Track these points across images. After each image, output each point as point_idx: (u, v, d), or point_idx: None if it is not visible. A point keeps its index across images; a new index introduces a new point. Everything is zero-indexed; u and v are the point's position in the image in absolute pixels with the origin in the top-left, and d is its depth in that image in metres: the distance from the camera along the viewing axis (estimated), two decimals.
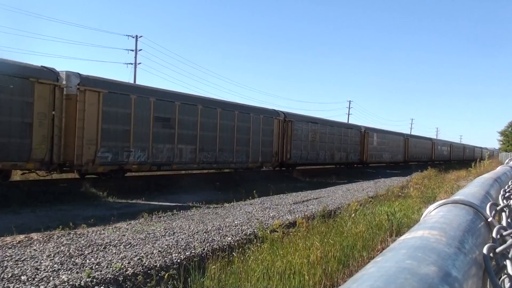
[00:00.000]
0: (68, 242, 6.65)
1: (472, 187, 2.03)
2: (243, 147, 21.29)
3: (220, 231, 7.76)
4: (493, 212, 1.38)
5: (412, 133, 70.48)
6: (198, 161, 18.37)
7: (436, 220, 1.05)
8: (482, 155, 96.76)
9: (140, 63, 40.62)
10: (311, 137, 26.99)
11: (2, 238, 6.93)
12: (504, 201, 1.86)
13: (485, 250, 0.95)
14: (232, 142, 20.51)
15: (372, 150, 35.81)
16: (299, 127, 25.68)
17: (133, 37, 39.62)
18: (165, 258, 5.87)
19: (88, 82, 13.90)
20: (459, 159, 73.46)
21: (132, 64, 39.51)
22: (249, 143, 21.64)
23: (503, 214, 1.54)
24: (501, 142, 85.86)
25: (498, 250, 0.97)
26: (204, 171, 21.41)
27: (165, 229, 7.85)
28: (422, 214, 1.24)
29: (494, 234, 1.13)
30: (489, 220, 1.22)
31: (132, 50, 39.57)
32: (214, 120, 19.41)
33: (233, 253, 6.33)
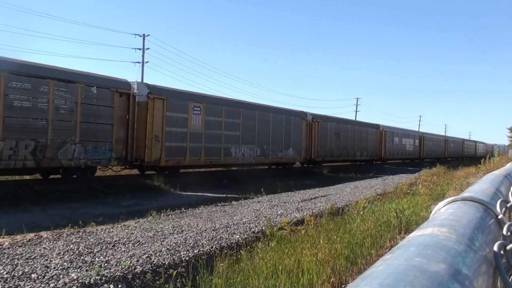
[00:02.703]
0: (77, 240, 6.69)
1: (482, 184, 2.01)
2: None
3: (228, 229, 7.77)
4: (504, 209, 1.37)
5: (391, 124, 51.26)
6: None
7: (446, 217, 1.04)
8: (476, 152, 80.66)
9: (147, 62, 40.77)
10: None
11: (12, 236, 6.99)
12: None
13: (495, 248, 0.94)
14: None
15: (211, 139, 19.29)
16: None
17: (141, 36, 39.76)
18: (174, 256, 5.89)
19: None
20: (438, 157, 53.86)
21: (139, 62, 39.67)
22: None
23: None
24: (511, 139, 79.88)
25: (508, 247, 0.96)
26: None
27: (173, 227, 7.87)
28: (431, 211, 1.24)
29: (504, 231, 1.12)
30: (499, 217, 1.21)
31: (140, 49, 39.72)
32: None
33: (241, 251, 6.34)
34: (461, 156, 66.49)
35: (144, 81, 18.56)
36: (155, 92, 16.84)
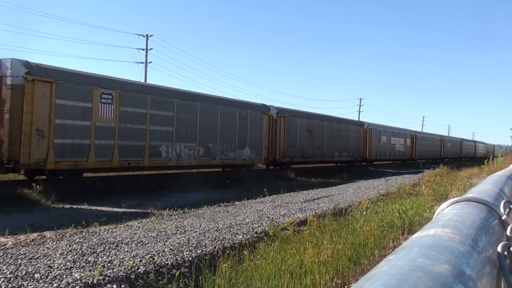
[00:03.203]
0: (80, 240, 6.71)
1: (485, 185, 2.01)
2: None
3: (231, 229, 7.77)
4: (507, 210, 1.36)
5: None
6: None
7: (449, 218, 1.04)
8: (476, 152, 75.73)
9: (151, 62, 40.81)
10: None
11: (16, 236, 7.01)
12: None
13: (499, 249, 0.94)
14: None
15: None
16: None
17: (144, 36, 39.83)
18: (177, 256, 5.90)
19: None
20: (433, 158, 50.53)
21: (143, 63, 39.73)
22: None
23: None
24: None
25: None
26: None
27: (176, 227, 7.88)
28: (434, 212, 1.23)
29: (508, 232, 1.11)
30: (503, 218, 1.21)
31: (143, 49, 39.78)
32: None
33: (244, 251, 6.34)
34: (459, 157, 62.78)
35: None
36: (38, 72, 12.59)
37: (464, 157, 65.08)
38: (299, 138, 24.87)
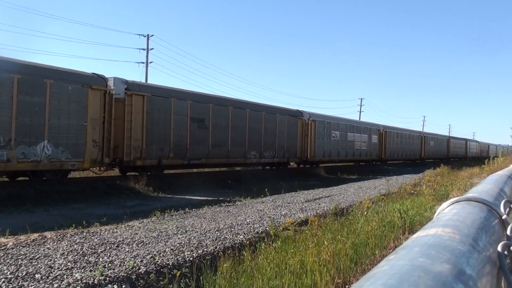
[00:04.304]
0: (81, 241, 6.71)
1: (486, 185, 2.01)
2: None
3: (232, 229, 7.77)
4: (508, 209, 1.36)
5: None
6: None
7: (450, 218, 1.04)
8: (467, 152, 68.68)
9: (151, 62, 40.84)
10: None
11: (16, 236, 7.01)
12: None
13: (499, 248, 0.94)
14: None
15: None
16: None
17: (145, 36, 39.84)
18: (178, 257, 5.90)
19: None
20: (410, 158, 44.65)
21: (143, 63, 39.73)
22: None
23: None
24: None
25: None
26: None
27: (177, 228, 7.88)
28: (435, 211, 1.23)
29: (508, 232, 1.12)
30: (503, 217, 1.21)
31: (144, 49, 39.78)
32: None
33: (245, 251, 6.34)
34: (445, 157, 54.58)
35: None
36: None
37: (452, 158, 58.11)
38: (176, 129, 17.28)
